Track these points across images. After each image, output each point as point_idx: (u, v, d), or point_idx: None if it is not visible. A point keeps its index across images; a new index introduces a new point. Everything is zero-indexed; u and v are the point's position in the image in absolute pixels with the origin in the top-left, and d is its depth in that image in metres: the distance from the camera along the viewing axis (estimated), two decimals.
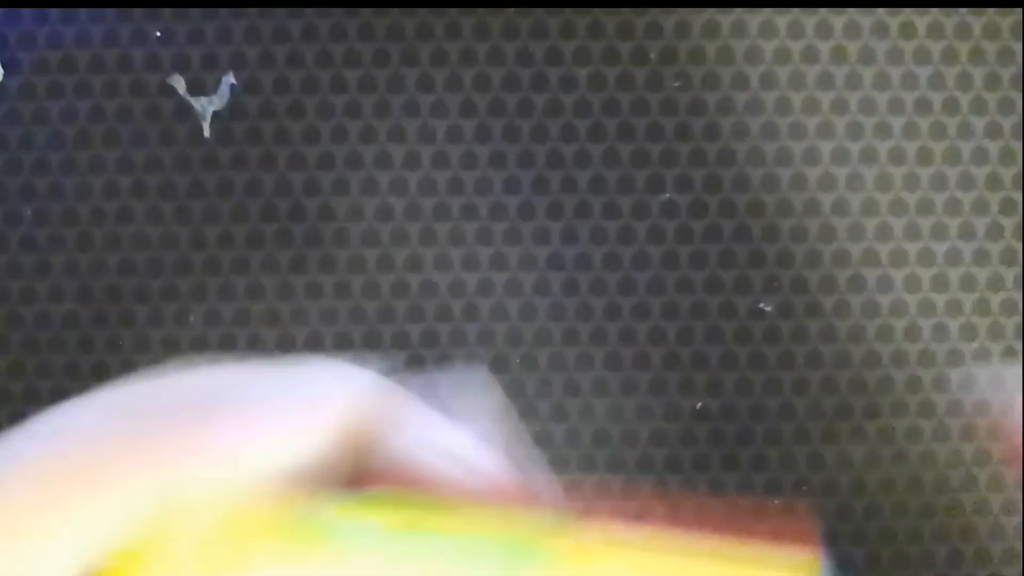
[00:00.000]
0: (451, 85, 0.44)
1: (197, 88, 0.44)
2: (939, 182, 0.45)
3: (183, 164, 0.44)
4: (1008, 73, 0.45)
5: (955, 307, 0.45)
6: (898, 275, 0.45)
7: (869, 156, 0.45)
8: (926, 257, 0.45)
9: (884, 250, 0.45)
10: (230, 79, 0.44)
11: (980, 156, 0.45)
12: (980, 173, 0.45)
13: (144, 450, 0.20)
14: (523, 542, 0.22)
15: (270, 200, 0.44)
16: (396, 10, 0.44)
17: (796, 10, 0.44)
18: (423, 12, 0.44)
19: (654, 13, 0.44)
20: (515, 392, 0.44)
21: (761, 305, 0.44)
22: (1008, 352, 0.45)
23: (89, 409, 0.21)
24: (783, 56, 0.44)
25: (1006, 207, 0.45)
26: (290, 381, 0.22)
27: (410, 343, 0.44)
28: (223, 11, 0.44)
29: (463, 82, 0.44)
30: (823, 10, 0.44)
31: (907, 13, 0.45)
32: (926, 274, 0.45)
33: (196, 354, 0.44)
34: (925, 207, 0.45)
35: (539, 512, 0.22)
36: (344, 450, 0.22)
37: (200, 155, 0.44)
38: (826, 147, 0.45)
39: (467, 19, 0.44)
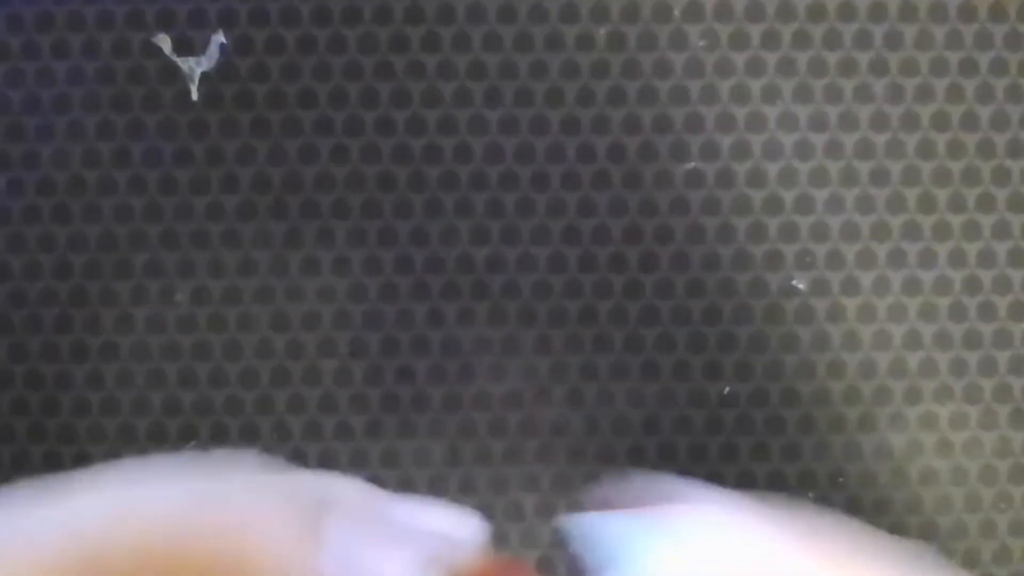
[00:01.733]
0: (459, 45, 0.41)
1: (184, 48, 0.41)
2: (987, 150, 0.41)
3: (169, 130, 0.41)
4: None
5: (1003, 283, 0.41)
6: (942, 250, 0.41)
7: (910, 122, 0.41)
8: (971, 231, 0.41)
9: (927, 223, 0.41)
10: (220, 38, 0.41)
11: None
12: None
13: None
14: None
15: (263, 168, 0.41)
16: None
17: None
18: None
19: None
20: (529, 376, 0.41)
21: (794, 282, 0.41)
22: None
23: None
24: (818, 12, 0.41)
25: None
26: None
27: (415, 324, 0.41)
28: None
29: (472, 41, 0.41)
30: None
31: None
32: (972, 249, 0.41)
33: (182, 334, 0.41)
34: (971, 177, 0.41)
35: None
36: None
37: (187, 120, 0.41)
38: (864, 112, 0.41)
39: None
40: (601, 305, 0.41)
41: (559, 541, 0.41)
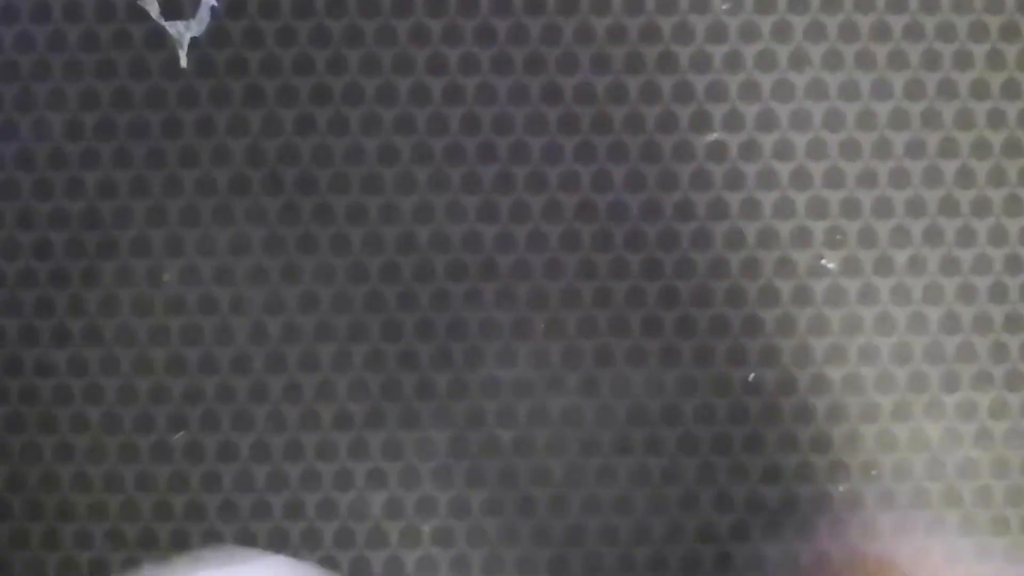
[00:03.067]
0: (465, 9, 0.39)
1: (172, 11, 0.39)
2: None
3: (156, 99, 0.39)
4: None
5: None
6: (981, 226, 0.39)
7: (948, 90, 0.39)
8: (1014, 206, 0.39)
9: (965, 199, 0.39)
10: (210, 0, 0.39)
11: None
12: None
13: None
14: None
15: (256, 140, 0.39)
16: None
17: None
18: None
19: None
20: (539, 362, 0.38)
21: (823, 261, 0.38)
22: None
23: None
24: None
25: None
26: None
27: (419, 306, 0.38)
28: None
29: (479, 5, 0.39)
30: None
31: None
32: (1013, 225, 0.39)
33: (170, 317, 0.38)
34: (1012, 150, 0.39)
35: None
36: None
37: (176, 88, 0.39)
38: (899, 79, 0.39)
39: None
40: (617, 286, 0.38)
41: (573, 538, 0.38)
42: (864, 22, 0.39)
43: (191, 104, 0.39)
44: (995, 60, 0.39)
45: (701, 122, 0.38)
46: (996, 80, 0.39)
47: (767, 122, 0.38)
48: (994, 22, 0.39)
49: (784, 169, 0.38)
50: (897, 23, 0.39)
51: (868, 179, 0.38)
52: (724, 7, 0.38)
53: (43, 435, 0.38)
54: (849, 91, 0.39)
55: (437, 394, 0.38)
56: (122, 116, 0.39)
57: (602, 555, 0.38)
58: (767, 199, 0.38)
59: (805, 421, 0.38)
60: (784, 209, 0.38)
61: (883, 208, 0.38)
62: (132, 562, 0.38)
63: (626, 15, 0.38)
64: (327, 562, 0.38)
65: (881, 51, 0.39)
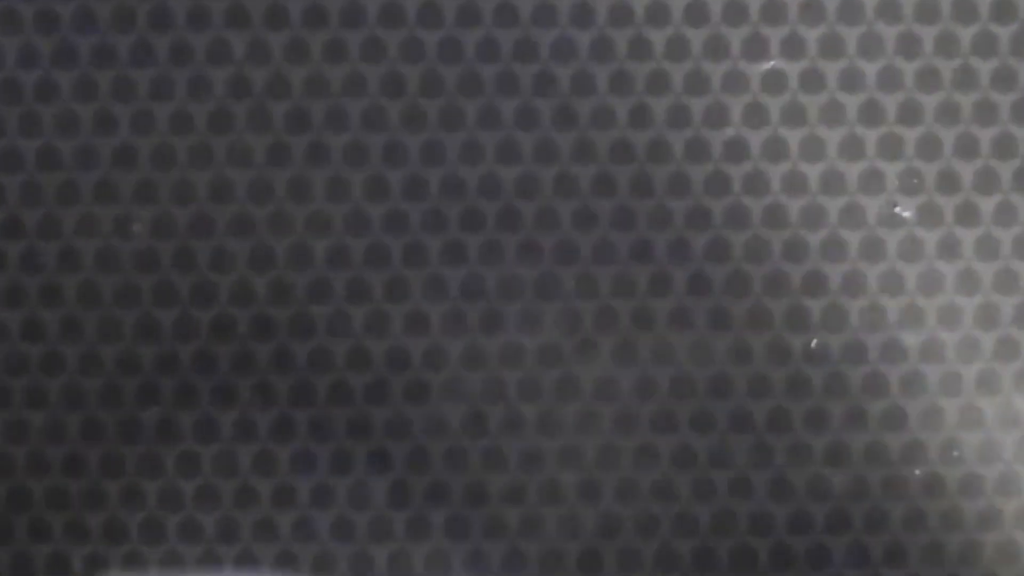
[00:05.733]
0: None
1: None
2: None
3: (124, 21, 0.35)
4: None
5: None
6: None
7: None
8: None
9: None
10: None
11: None
12: None
13: None
14: None
15: (241, 69, 0.35)
16: None
17: None
18: None
19: None
20: (570, 326, 0.35)
21: (897, 209, 0.35)
22: None
23: None
24: None
25: None
26: None
27: (428, 260, 0.35)
28: None
29: None
30: None
31: None
32: None
33: (141, 273, 0.35)
34: None
35: None
36: None
37: (146, 10, 0.35)
38: (983, 4, 0.35)
39: None
40: (658, 238, 0.35)
41: (607, 529, 0.35)
42: None
43: (164, 27, 0.35)
44: None
45: (755, 49, 0.35)
46: None
47: (832, 49, 0.35)
48: None
49: (851, 102, 0.35)
50: None
51: (948, 114, 0.35)
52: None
53: None
54: (927, 11, 0.34)
55: (449, 363, 0.35)
56: (84, 41, 0.35)
57: (639, 548, 0.35)
58: (832, 137, 0.35)
59: (876, 394, 0.35)
60: (851, 148, 0.35)
61: (967, 148, 0.35)
62: (95, 557, 0.35)
63: None
64: (323, 557, 0.35)
65: None
